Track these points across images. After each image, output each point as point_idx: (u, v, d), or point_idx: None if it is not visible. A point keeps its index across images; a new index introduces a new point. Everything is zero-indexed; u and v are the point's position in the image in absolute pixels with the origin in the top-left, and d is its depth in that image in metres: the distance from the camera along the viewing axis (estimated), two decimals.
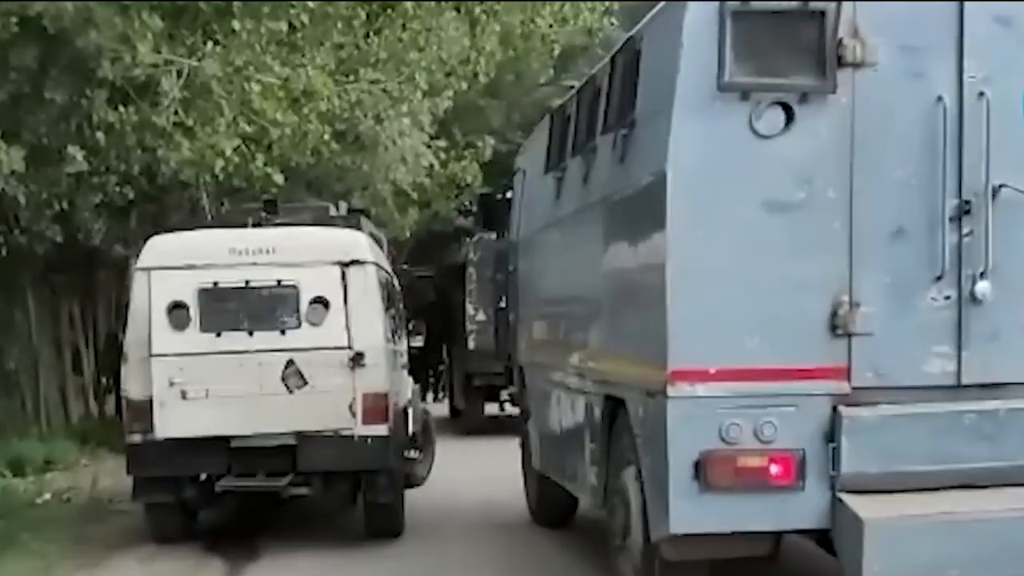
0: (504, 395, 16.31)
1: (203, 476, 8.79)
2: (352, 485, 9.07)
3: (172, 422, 8.46)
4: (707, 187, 5.43)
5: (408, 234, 23.02)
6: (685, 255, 5.43)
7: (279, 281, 8.74)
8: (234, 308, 8.68)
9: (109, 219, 16.27)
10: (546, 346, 8.24)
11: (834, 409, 5.41)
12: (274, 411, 8.56)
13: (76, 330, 17.63)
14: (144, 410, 8.57)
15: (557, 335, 7.84)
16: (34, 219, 13.74)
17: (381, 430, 8.79)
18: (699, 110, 5.41)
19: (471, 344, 15.94)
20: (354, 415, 8.66)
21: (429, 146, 20.61)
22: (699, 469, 5.42)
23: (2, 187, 11.06)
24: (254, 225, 9.31)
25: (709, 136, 5.42)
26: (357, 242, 9.12)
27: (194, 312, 8.59)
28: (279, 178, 14.46)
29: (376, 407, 8.77)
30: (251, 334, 8.63)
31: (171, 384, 8.42)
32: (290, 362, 8.56)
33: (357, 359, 8.65)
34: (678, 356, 5.44)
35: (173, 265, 8.75)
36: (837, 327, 5.42)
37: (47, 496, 10.86)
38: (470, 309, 16.00)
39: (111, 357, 11.50)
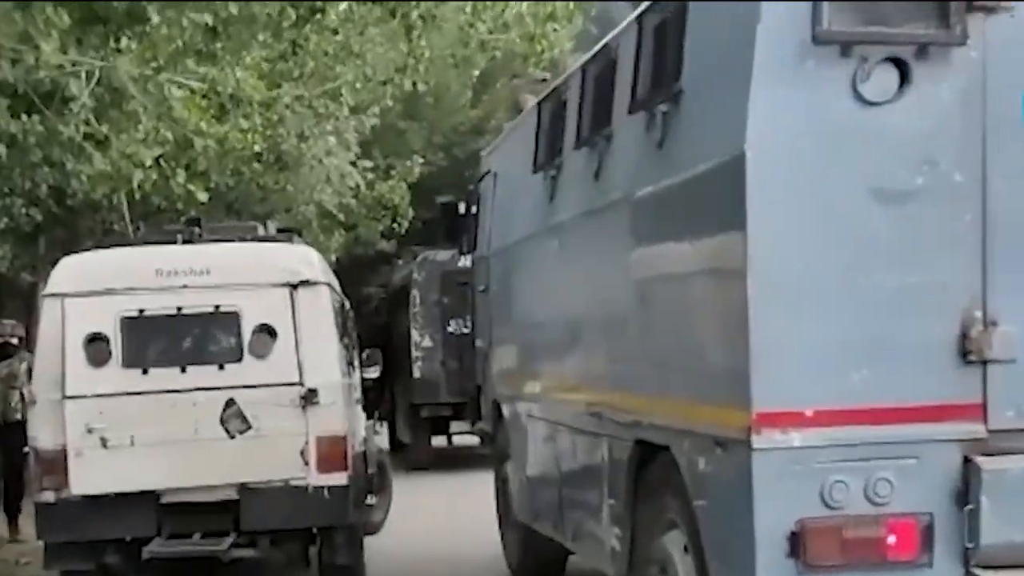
0: (455, 428, 14.74)
1: (128, 538, 7.09)
2: (305, 544, 7.41)
3: (90, 476, 6.73)
4: (798, 172, 3.92)
5: (334, 258, 21.46)
6: (772, 262, 3.92)
7: (217, 307, 7.07)
8: (163, 340, 7.00)
9: (15, 245, 14.47)
10: (536, 377, 6.64)
11: (967, 460, 3.95)
12: (212, 460, 6.89)
13: None
14: (56, 462, 6.85)
15: (554, 364, 6.25)
16: None
17: (339, 479, 7.16)
18: (786, 70, 3.90)
19: (416, 372, 14.29)
20: (307, 463, 7.04)
21: (355, 165, 19.12)
22: (796, 543, 3.92)
23: None
24: (184, 242, 7.61)
25: (800, 104, 3.90)
26: (307, 259, 7.49)
27: (115, 345, 6.88)
28: (203, 196, 12.69)
29: (333, 452, 7.15)
30: (184, 370, 6.95)
31: (89, 431, 6.69)
32: (230, 402, 6.90)
33: (309, 397, 7.03)
34: (766, 395, 3.92)
35: (90, 290, 7.04)
36: (969, 352, 3.92)
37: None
38: (415, 335, 14.37)
39: None
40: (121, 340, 6.90)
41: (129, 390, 6.85)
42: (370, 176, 19.95)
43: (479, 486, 12.39)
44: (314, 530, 7.26)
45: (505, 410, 7.44)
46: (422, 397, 14.30)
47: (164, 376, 6.92)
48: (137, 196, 12.75)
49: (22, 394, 9.87)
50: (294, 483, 7.02)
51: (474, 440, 15.18)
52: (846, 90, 3.90)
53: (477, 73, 27.83)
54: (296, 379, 7.01)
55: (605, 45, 5.41)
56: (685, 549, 4.64)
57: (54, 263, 16.24)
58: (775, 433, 3.91)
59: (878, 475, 3.92)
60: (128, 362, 6.91)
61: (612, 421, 5.33)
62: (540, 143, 6.34)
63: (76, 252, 12.40)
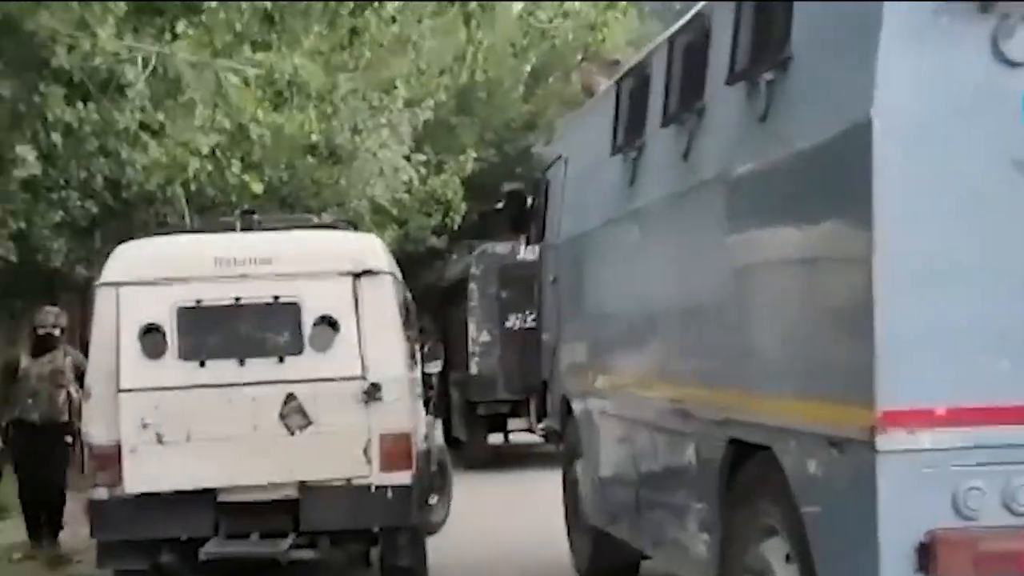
0: (514, 425, 14.28)
1: (184, 538, 6.74)
2: (366, 545, 7.02)
3: (145, 473, 6.36)
4: (932, 142, 3.45)
5: None
6: (900, 243, 3.44)
7: (276, 297, 6.69)
8: (221, 331, 6.61)
9: (71, 239, 14.26)
10: (612, 372, 6.20)
11: None
12: (271, 458, 6.49)
13: None
14: (110, 458, 6.48)
15: (633, 358, 5.81)
16: None
17: (403, 478, 6.76)
18: (918, 29, 3.48)
19: (473, 368, 13.87)
20: (369, 461, 6.64)
21: (408, 159, 18.78)
22: (925, 556, 3.47)
23: None
24: (243, 229, 7.25)
25: (933, 66, 3.47)
26: (372, 247, 7.09)
27: (172, 337, 6.52)
28: (257, 187, 12.41)
29: (397, 450, 6.75)
30: (242, 363, 6.55)
31: (144, 426, 6.32)
32: (290, 396, 6.52)
33: (372, 392, 6.64)
34: (892, 391, 3.46)
35: (146, 279, 6.69)
36: None
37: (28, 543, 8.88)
38: (472, 329, 13.93)
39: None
40: (178, 332, 6.54)
41: (185, 384, 6.47)
42: (423, 171, 19.63)
43: (538, 485, 11.94)
44: (375, 530, 6.88)
45: (575, 407, 7.00)
46: (479, 394, 13.84)
47: (222, 369, 6.54)
48: (192, 187, 12.52)
49: (69, 393, 8.93)
50: (356, 482, 6.63)
51: (531, 438, 14.75)
52: (986, 49, 3.45)
53: (529, 68, 27.51)
54: (359, 373, 6.64)
55: (697, 13, 4.95)
56: (787, 559, 4.20)
57: (109, 257, 16.17)
58: (902, 433, 3.45)
59: (1019, 481, 3.48)
60: (185, 354, 6.54)
61: (701, 418, 4.89)
62: (619, 124, 5.89)
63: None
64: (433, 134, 21.41)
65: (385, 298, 6.84)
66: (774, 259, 4.17)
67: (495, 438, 14.75)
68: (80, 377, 8.51)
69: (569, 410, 7.22)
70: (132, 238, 16.97)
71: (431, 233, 23.94)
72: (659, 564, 5.71)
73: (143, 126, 9.93)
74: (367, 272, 6.81)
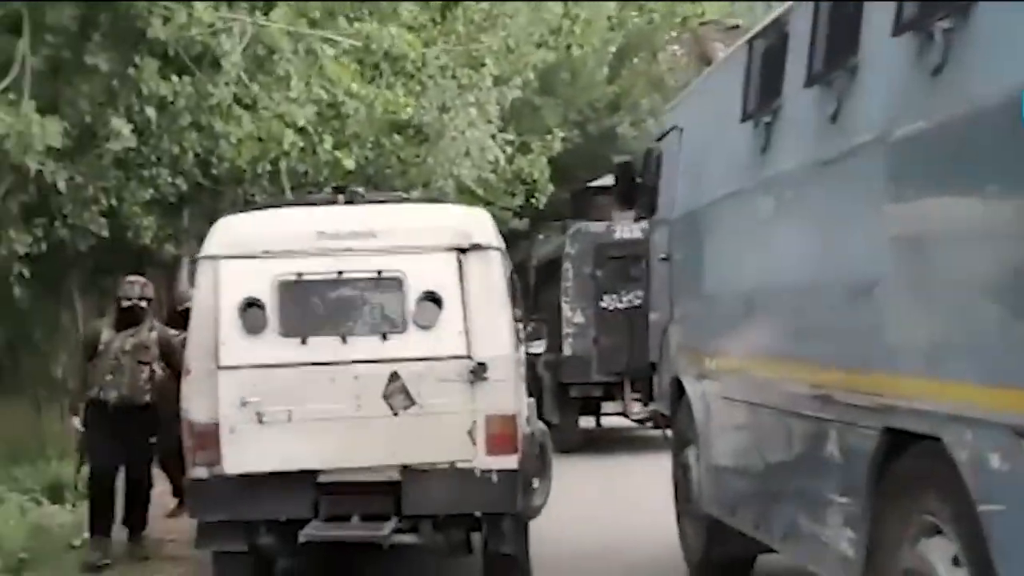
0: (607, 408, 13.88)
1: (283, 519, 6.44)
2: (468, 530, 6.71)
3: (244, 453, 6.09)
4: None
5: None
6: None
7: (379, 272, 6.40)
8: (323, 307, 6.32)
9: (160, 217, 14.18)
10: (735, 353, 5.77)
11: None
12: (374, 439, 6.19)
13: None
14: (210, 437, 6.22)
15: (762, 339, 5.35)
16: (77, 212, 11.54)
17: (509, 463, 6.42)
18: None
19: (567, 350, 13.47)
20: (474, 444, 6.33)
21: (495, 138, 18.45)
22: None
23: (39, 168, 8.77)
24: (347, 203, 6.96)
25: None
26: (479, 221, 6.75)
27: (272, 312, 6.24)
28: (349, 163, 12.16)
29: (503, 434, 6.41)
30: (344, 340, 6.25)
31: (244, 404, 6.05)
32: (394, 375, 6.22)
33: (479, 372, 6.31)
34: None
35: (246, 253, 6.41)
36: None
37: (86, 535, 8.29)
38: (566, 310, 13.53)
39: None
40: (278, 307, 6.25)
41: (287, 361, 6.18)
42: (509, 151, 19.28)
43: (632, 471, 11.62)
44: (478, 516, 6.56)
45: (690, 390, 6.58)
46: (572, 376, 13.43)
47: (324, 346, 6.23)
48: (283, 164, 12.33)
49: (152, 371, 8.16)
50: (460, 465, 6.32)
51: (623, 422, 14.36)
52: None
53: (614, 49, 27.02)
54: (464, 352, 6.31)
55: None
56: (955, 561, 3.77)
57: (197, 235, 16.08)
58: None
59: None
60: (286, 331, 6.25)
61: (847, 405, 4.45)
62: (751, 87, 5.44)
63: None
64: (517, 114, 21.07)
65: (492, 274, 6.50)
66: (948, 228, 3.71)
67: (586, 421, 14.36)
68: (166, 355, 8.17)
69: (681, 393, 6.82)
70: (219, 216, 16.99)
71: (512, 215, 23.69)
72: (788, 559, 5.30)
73: (237, 100, 9.72)
74: (474, 247, 6.48)
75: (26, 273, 11.18)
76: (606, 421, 14.76)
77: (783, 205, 5.04)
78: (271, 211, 7.08)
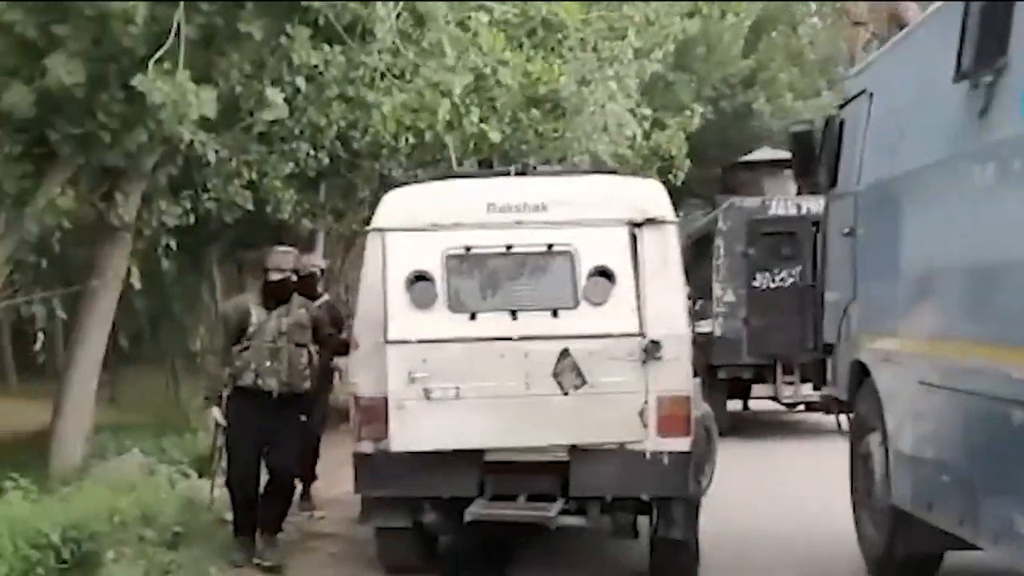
0: (758, 391, 13.50)
1: (448, 497, 6.37)
2: (635, 514, 6.55)
3: (412, 431, 5.99)
4: None
5: None
6: None
7: (550, 246, 6.25)
8: (492, 281, 6.18)
9: (298, 191, 14.32)
10: (941, 335, 5.39)
11: None
12: (544, 418, 6.03)
13: None
14: (377, 412, 6.16)
15: (976, 320, 4.97)
16: (222, 185, 11.69)
17: (681, 444, 6.23)
18: None
19: (716, 330, 13.18)
20: (646, 425, 6.16)
21: (633, 113, 18.17)
22: None
23: (191, 139, 8.84)
24: (518, 175, 6.83)
25: None
26: (655, 194, 6.56)
27: (441, 286, 6.14)
28: (496, 136, 12.08)
29: (675, 415, 6.22)
30: (514, 316, 6.09)
31: (412, 380, 5.96)
32: (565, 353, 6.07)
33: (652, 350, 6.13)
34: None
35: (415, 226, 6.30)
36: None
37: None
38: (717, 289, 13.20)
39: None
40: (447, 280, 6.12)
41: (456, 337, 6.05)
42: (646, 126, 18.99)
43: (791, 455, 11.27)
44: (647, 499, 6.39)
45: (877, 374, 6.20)
46: (721, 357, 13.02)
47: (494, 322, 6.08)
48: (427, 137, 12.28)
49: (310, 354, 7.15)
50: (630, 447, 6.16)
51: (772, 406, 14.00)
52: None
53: (750, 23, 26.45)
54: (637, 330, 6.14)
55: None
56: None
57: (333, 210, 16.20)
58: None
59: None
60: (455, 305, 6.13)
61: None
62: (967, 44, 5.08)
63: (398, 183, 11.95)
64: (651, 89, 20.75)
65: (667, 249, 6.30)
66: None
67: (733, 404, 14.00)
68: (314, 331, 7.40)
69: (862, 377, 6.49)
70: (354, 192, 17.04)
71: None
72: (1003, 560, 4.97)
73: (388, 69, 9.66)
74: (649, 221, 6.29)
75: (173, 245, 11.39)
76: (753, 405, 14.39)
77: (1003, 174, 4.68)
78: (440, 183, 6.98)
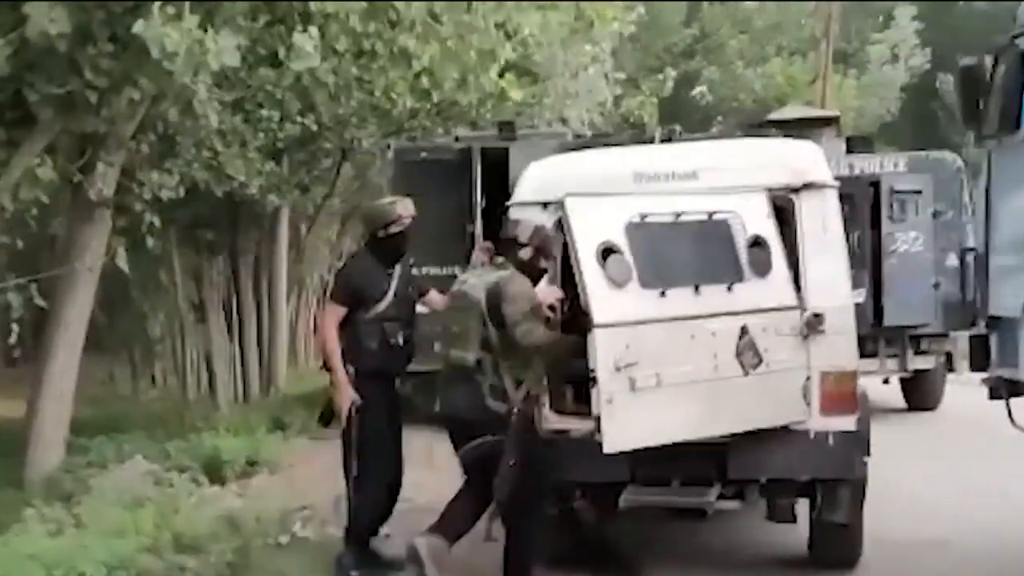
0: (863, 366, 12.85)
1: (600, 482, 6.12)
2: (795, 497, 6.52)
3: (623, 427, 5.47)
4: None
5: None
6: None
7: (711, 214, 6.14)
8: (670, 253, 5.79)
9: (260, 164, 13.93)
10: None
11: None
12: (732, 403, 5.71)
13: (219, 291, 15.17)
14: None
15: None
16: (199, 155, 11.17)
17: (847, 424, 6.07)
18: None
19: None
20: (808, 403, 6.12)
21: (607, 77, 18.14)
22: None
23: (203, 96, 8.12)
24: (663, 141, 6.74)
25: None
26: (813, 156, 6.36)
27: (630, 259, 5.69)
28: (517, 94, 11.92)
29: (841, 391, 6.08)
30: (697, 291, 5.74)
31: (617, 369, 5.51)
32: (744, 330, 5.86)
33: (814, 323, 6.05)
34: None
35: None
36: None
37: (297, 528, 7.46)
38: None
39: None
40: (633, 253, 5.66)
41: (654, 317, 5.61)
42: (618, 91, 19.01)
43: (914, 439, 10.87)
44: (810, 484, 6.34)
45: None
46: None
47: (681, 299, 5.68)
48: (434, 97, 12.00)
49: None
50: (794, 427, 6.12)
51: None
52: None
53: None
54: (797, 302, 6.09)
55: None
56: None
57: (298, 184, 15.75)
58: None
59: None
60: (644, 281, 5.65)
61: None
62: None
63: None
64: (620, 52, 20.77)
65: (828, 215, 6.18)
66: None
67: None
68: None
69: None
70: (316, 165, 16.57)
71: None
72: None
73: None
74: (808, 185, 6.22)
75: (157, 222, 10.81)
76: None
77: None
78: (579, 154, 6.82)
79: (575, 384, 6.16)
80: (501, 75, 11.09)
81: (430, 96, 11.56)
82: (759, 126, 14.66)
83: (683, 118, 21.36)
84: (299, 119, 13.19)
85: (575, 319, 5.72)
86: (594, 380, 5.38)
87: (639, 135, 7.08)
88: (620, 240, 5.62)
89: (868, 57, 29.62)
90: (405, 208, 6.59)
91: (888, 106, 27.41)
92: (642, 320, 5.53)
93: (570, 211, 5.57)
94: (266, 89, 11.24)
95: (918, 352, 11.22)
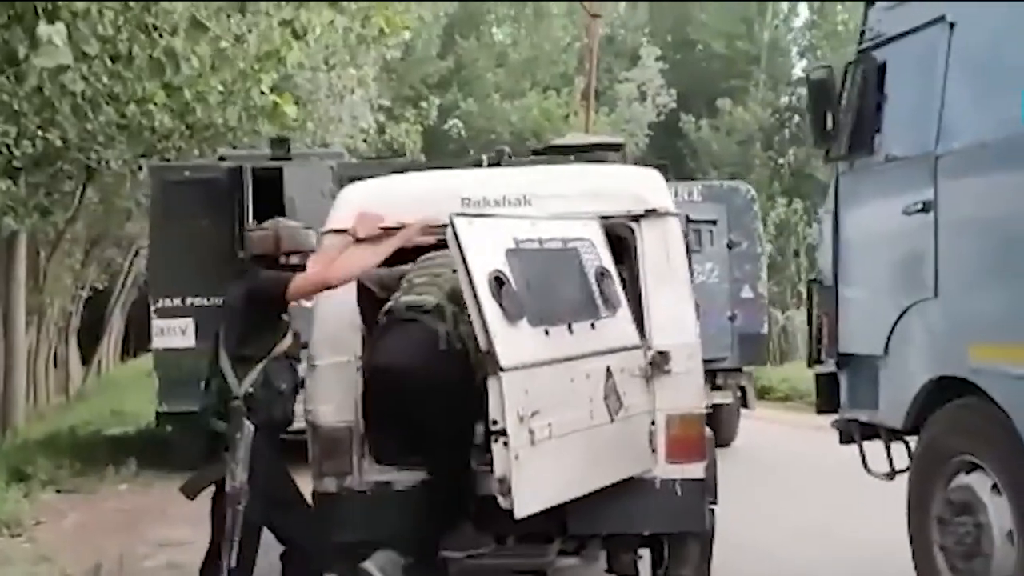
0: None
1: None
2: (637, 550, 5.84)
3: (533, 487, 4.66)
4: None
5: None
6: None
7: (565, 243, 5.44)
8: (541, 285, 4.96)
9: None
10: None
11: None
12: (602, 453, 5.01)
13: None
14: (342, 443, 5.20)
15: None
16: None
17: (695, 471, 5.54)
18: None
19: None
20: (654, 449, 5.50)
21: (372, 104, 17.48)
22: None
23: None
24: (491, 164, 5.98)
25: None
26: (652, 183, 5.76)
27: (518, 291, 4.77)
28: (291, 109, 10.91)
29: (689, 436, 5.47)
30: (571, 328, 4.97)
31: (521, 419, 4.58)
32: (609, 372, 5.06)
33: (659, 363, 5.46)
34: None
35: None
36: None
37: None
38: None
39: None
40: (519, 284, 4.77)
41: (545, 358, 4.76)
42: (381, 117, 18.41)
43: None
44: (655, 537, 5.71)
45: (1002, 393, 4.81)
46: None
47: (561, 337, 4.90)
48: (199, 112, 10.91)
49: None
50: (640, 475, 5.49)
51: None
52: None
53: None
54: (640, 340, 5.47)
55: None
56: None
57: (37, 207, 14.21)
58: None
59: None
60: (531, 316, 4.78)
61: None
62: None
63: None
64: (381, 79, 20.14)
65: (671, 245, 5.63)
66: None
67: None
68: None
69: (943, 398, 5.28)
70: (59, 186, 15.03)
71: None
72: None
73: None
74: (650, 212, 5.63)
75: None
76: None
77: None
78: (399, 177, 6.00)
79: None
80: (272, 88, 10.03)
81: (192, 111, 10.37)
82: (543, 152, 14.21)
83: (439, 149, 20.89)
84: (40, 134, 11.74)
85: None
86: (498, 433, 4.51)
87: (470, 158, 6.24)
88: (505, 268, 4.82)
89: (618, 95, 30.14)
90: None
91: (636, 142, 27.90)
92: (537, 362, 4.71)
93: (460, 233, 4.70)
94: (1, 99, 9.88)
95: (714, 387, 10.78)
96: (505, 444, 4.44)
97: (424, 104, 18.46)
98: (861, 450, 6.22)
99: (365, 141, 17.76)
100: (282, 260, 5.32)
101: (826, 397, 6.32)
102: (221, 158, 11.52)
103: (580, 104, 26.52)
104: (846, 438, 6.21)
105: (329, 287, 5.19)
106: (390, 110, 18.47)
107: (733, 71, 32.69)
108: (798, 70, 35.50)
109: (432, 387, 5.00)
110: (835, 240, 6.18)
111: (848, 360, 6.12)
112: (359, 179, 5.99)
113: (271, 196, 10.30)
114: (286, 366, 5.23)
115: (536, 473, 4.62)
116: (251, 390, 5.06)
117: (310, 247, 5.40)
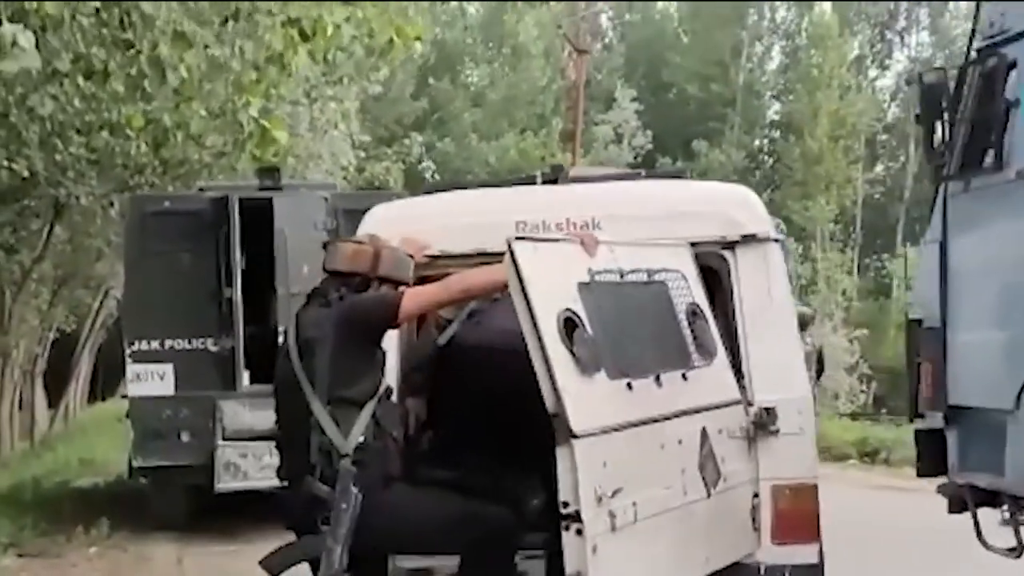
0: None
1: None
2: None
3: None
4: None
5: None
6: None
7: (650, 274, 4.31)
8: (626, 328, 3.89)
9: None
10: None
11: None
12: (700, 536, 3.91)
13: None
14: None
15: None
16: None
17: (807, 555, 4.44)
18: None
19: None
20: (757, 528, 4.37)
21: (353, 141, 16.50)
22: None
23: None
24: (546, 182, 4.87)
25: None
26: (750, 204, 4.58)
27: (594, 336, 3.68)
28: (282, 135, 9.74)
29: (799, 511, 4.41)
30: (658, 380, 3.88)
31: (599, 500, 3.46)
32: (704, 434, 4.13)
33: (765, 422, 4.36)
34: None
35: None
36: None
37: None
38: None
39: None
40: (593, 328, 3.69)
41: (626, 421, 3.66)
42: (363, 155, 17.45)
43: None
44: None
45: None
46: None
47: (647, 393, 3.80)
48: (178, 138, 9.73)
49: None
50: (742, 560, 4.34)
51: None
52: None
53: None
54: (740, 394, 4.34)
55: None
56: None
57: (1, 245, 12.98)
58: None
59: None
60: (610, 368, 3.71)
61: None
62: None
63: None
64: (360, 116, 19.17)
65: (774, 278, 4.53)
66: None
67: None
68: None
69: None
70: (27, 221, 13.80)
71: None
72: None
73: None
74: (747, 238, 4.51)
75: None
76: None
77: None
78: (440, 197, 4.90)
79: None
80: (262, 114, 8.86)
81: (169, 141, 9.18)
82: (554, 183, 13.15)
83: (417, 187, 19.90)
84: (6, 164, 10.56)
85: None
86: (570, 518, 3.39)
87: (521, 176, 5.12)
88: (577, 307, 3.66)
89: (594, 136, 29.37)
90: None
91: None
92: (618, 425, 3.60)
93: (521, 263, 3.54)
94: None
95: None
96: (579, 532, 3.38)
97: (407, 141, 17.46)
98: (975, 520, 5.07)
99: (345, 179, 16.75)
100: (373, 285, 4.08)
101: (930, 458, 5.25)
102: (201, 189, 10.30)
103: (558, 145, 25.67)
104: (956, 506, 5.12)
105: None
106: (367, 149, 17.50)
107: (708, 113, 32.08)
108: (771, 113, 35.01)
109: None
110: (943, 273, 5.13)
111: (960, 414, 5.07)
112: (355, 212, 4.95)
113: (259, 229, 9.13)
114: (391, 407, 4.02)
115: (618, 567, 3.54)
116: (361, 440, 3.77)
117: (407, 279, 4.11)
